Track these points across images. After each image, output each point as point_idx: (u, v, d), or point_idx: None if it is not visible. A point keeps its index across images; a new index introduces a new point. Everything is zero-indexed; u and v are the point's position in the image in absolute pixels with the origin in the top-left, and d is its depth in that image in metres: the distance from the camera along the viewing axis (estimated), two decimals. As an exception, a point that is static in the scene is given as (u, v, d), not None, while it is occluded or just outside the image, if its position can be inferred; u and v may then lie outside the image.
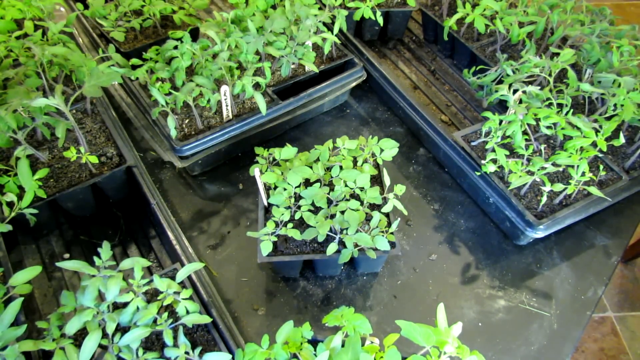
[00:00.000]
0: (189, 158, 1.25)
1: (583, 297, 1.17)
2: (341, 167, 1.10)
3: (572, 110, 1.19)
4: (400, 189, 1.08)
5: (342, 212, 1.03)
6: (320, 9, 1.44)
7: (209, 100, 1.22)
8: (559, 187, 1.11)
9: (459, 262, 1.22)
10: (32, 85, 1.14)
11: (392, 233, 1.05)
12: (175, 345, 0.89)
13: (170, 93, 1.24)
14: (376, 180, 1.19)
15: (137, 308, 0.90)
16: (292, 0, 1.37)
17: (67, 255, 1.21)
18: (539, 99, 1.23)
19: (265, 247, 1.02)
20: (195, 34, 1.56)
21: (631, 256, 2.40)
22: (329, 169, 1.12)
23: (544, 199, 1.13)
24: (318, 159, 1.14)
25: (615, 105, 1.20)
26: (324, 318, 0.88)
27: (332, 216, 1.05)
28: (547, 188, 1.11)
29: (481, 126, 1.27)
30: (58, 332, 0.86)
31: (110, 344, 0.87)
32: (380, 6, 1.62)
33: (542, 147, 1.24)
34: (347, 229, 1.03)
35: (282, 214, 1.06)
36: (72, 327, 0.85)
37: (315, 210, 1.09)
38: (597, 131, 1.13)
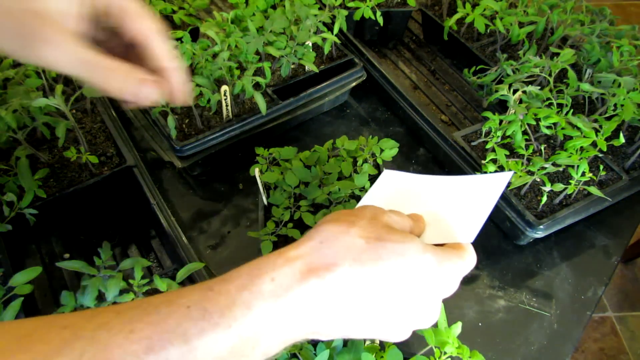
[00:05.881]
0: (189, 158, 1.25)
1: (583, 297, 1.17)
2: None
3: (572, 110, 1.19)
4: (400, 189, 1.08)
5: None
6: (320, 9, 1.44)
7: (209, 100, 1.22)
8: (559, 187, 1.11)
9: (459, 262, 1.22)
10: (32, 85, 1.14)
11: (392, 233, 1.05)
12: (175, 345, 0.89)
13: (170, 93, 1.24)
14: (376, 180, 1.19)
15: (137, 308, 0.90)
16: (292, 0, 1.37)
17: (67, 255, 1.21)
18: (539, 99, 1.23)
19: (266, 247, 1.02)
20: (195, 34, 1.56)
21: (631, 256, 2.40)
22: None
23: (544, 199, 1.14)
24: (317, 162, 1.13)
25: (615, 105, 1.20)
26: (324, 318, 0.87)
27: (332, 216, 1.05)
28: (547, 188, 1.11)
29: (481, 126, 1.27)
30: (58, 332, 0.86)
31: (110, 344, 0.87)
32: (380, 6, 1.62)
33: (542, 147, 1.24)
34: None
35: (282, 214, 1.06)
36: (72, 327, 0.85)
37: (315, 210, 1.09)
38: (597, 131, 1.13)
